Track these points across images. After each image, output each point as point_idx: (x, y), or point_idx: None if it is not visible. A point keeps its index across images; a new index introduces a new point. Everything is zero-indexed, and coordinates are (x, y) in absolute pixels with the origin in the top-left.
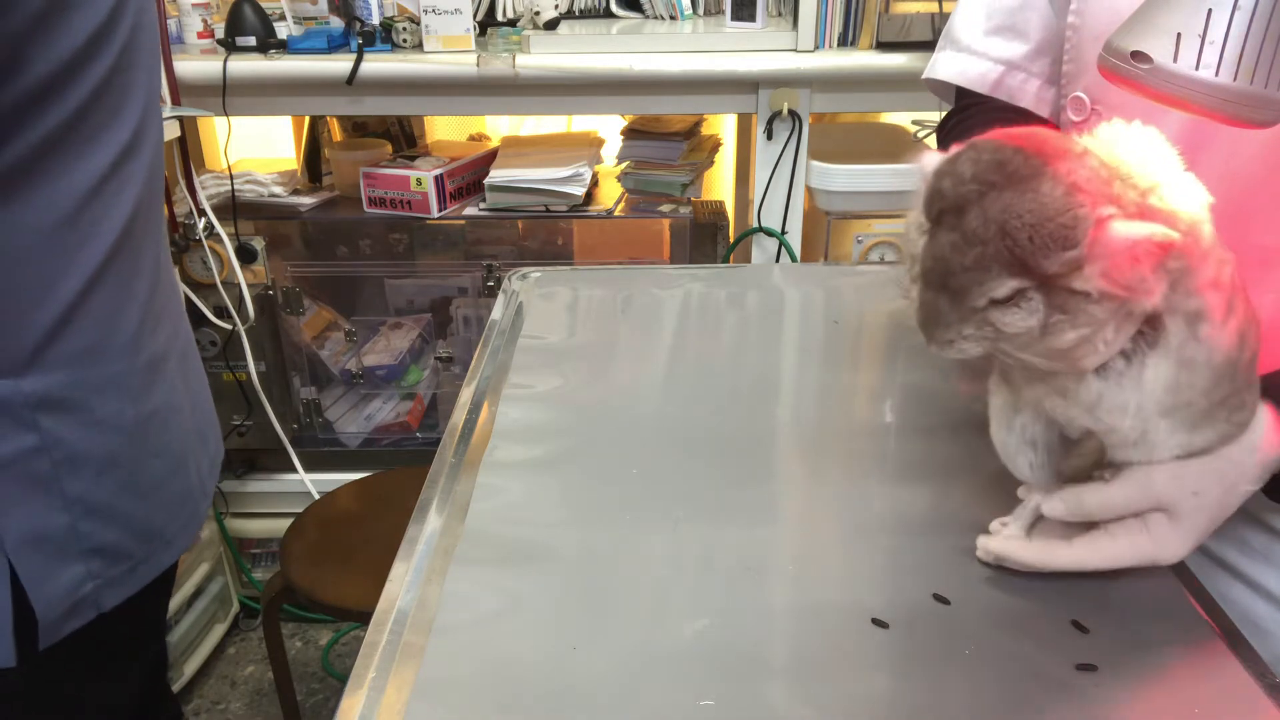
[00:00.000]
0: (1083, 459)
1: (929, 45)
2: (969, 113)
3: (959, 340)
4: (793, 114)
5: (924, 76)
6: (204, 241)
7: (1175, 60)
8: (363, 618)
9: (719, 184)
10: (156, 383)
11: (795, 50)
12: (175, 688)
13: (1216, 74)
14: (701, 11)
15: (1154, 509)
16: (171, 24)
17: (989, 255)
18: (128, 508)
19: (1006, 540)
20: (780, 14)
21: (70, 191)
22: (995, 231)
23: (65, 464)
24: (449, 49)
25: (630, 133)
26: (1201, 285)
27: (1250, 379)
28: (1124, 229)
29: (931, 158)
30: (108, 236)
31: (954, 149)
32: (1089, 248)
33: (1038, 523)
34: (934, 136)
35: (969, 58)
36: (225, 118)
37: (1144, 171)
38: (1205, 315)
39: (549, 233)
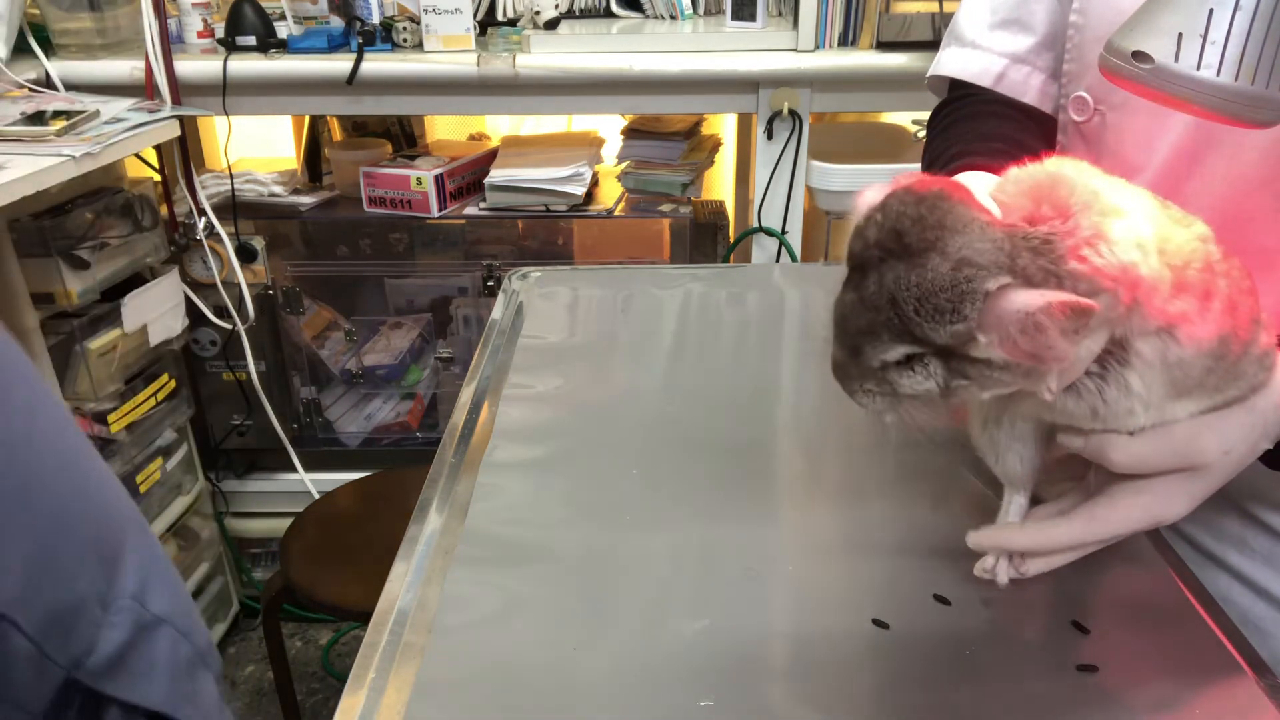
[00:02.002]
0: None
1: (929, 45)
2: (958, 105)
3: (861, 394)
4: (793, 114)
5: (928, 75)
6: (204, 241)
7: (1176, 60)
8: (363, 618)
9: (719, 184)
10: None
11: (795, 50)
12: None
13: (1218, 74)
14: (701, 11)
15: (1187, 468)
16: (172, 24)
17: (879, 322)
18: None
19: (999, 529)
20: (780, 14)
21: None
22: (886, 300)
23: None
24: (449, 49)
25: (630, 133)
26: (1157, 310)
27: (1256, 331)
28: (1018, 300)
29: (869, 195)
30: None
31: (896, 179)
32: (981, 319)
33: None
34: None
35: (972, 52)
36: (225, 117)
37: (1069, 228)
38: (1176, 324)
39: (549, 233)
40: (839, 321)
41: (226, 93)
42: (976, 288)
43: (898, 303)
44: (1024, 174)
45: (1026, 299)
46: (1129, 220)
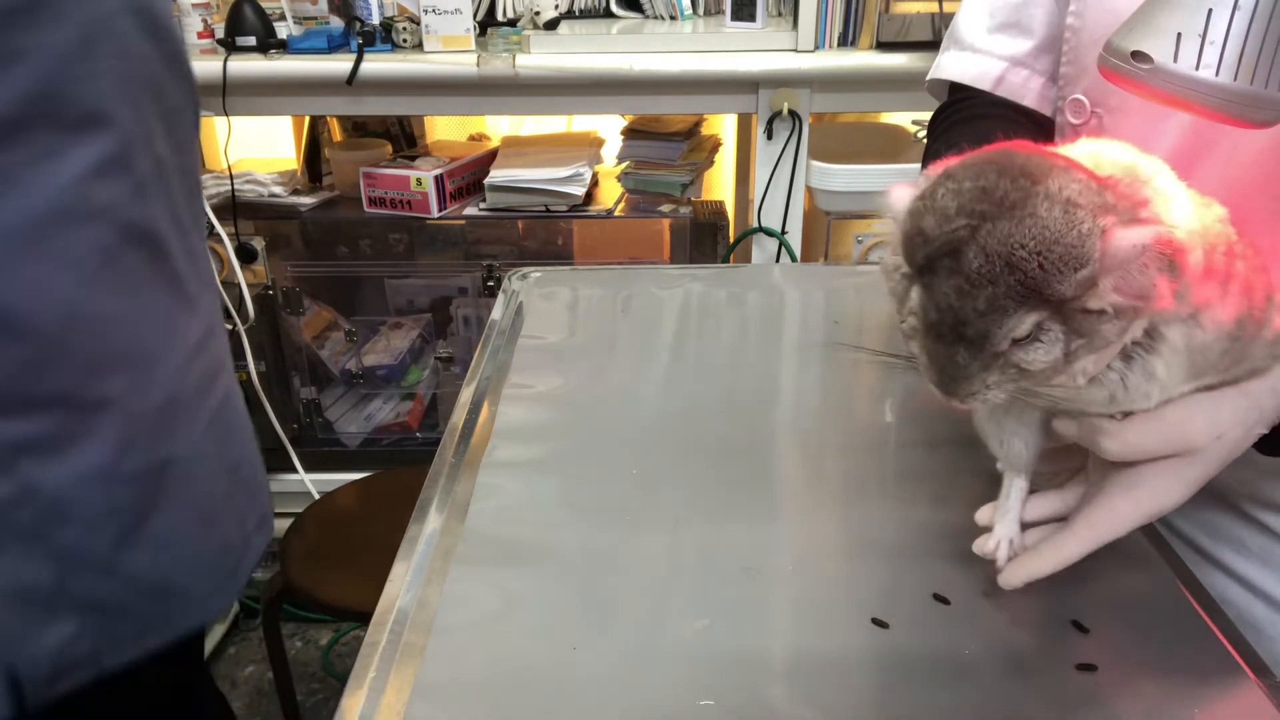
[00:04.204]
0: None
1: (929, 45)
2: (958, 108)
3: (982, 391)
4: (793, 114)
5: (928, 79)
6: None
7: (1176, 60)
8: (363, 618)
9: (719, 184)
10: (177, 428)
11: (795, 50)
12: None
13: (1217, 74)
14: (701, 11)
15: (1178, 453)
16: None
17: (1001, 294)
18: (133, 562)
19: (1022, 563)
20: (780, 14)
21: (24, 208)
22: (1001, 267)
23: (49, 515)
24: (449, 49)
25: (630, 133)
26: (1196, 293)
27: (1270, 310)
28: (1128, 236)
29: (901, 193)
30: (82, 264)
31: (927, 173)
32: (1102, 261)
33: (1024, 507)
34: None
35: (971, 56)
36: (225, 118)
37: (1127, 185)
38: (1205, 308)
39: (549, 233)
40: (942, 318)
41: (226, 93)
42: (1092, 227)
43: (1015, 265)
44: (1067, 148)
45: (1138, 234)
46: (1174, 201)
